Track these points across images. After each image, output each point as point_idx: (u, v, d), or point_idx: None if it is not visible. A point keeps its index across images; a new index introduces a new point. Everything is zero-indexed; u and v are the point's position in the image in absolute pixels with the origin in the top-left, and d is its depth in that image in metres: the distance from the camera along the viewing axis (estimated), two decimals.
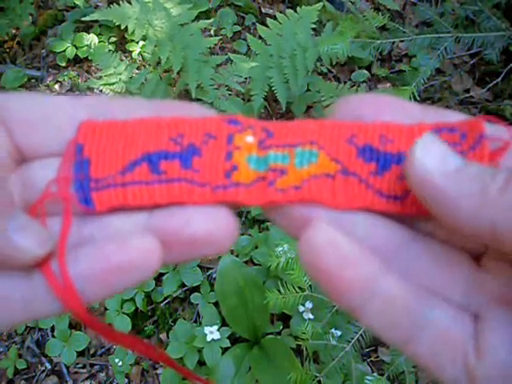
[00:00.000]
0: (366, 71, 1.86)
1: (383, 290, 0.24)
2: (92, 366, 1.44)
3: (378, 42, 1.11)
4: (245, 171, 0.27)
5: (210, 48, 1.67)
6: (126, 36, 1.85)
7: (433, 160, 0.23)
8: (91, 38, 1.90)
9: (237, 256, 1.43)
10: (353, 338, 1.01)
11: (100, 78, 1.45)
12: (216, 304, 1.38)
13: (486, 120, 0.26)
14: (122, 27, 1.51)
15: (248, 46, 1.77)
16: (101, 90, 1.48)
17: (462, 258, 0.26)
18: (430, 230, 0.27)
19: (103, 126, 0.27)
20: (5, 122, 0.26)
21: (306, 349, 1.05)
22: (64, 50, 1.90)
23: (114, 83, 1.44)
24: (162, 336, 1.42)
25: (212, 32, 1.94)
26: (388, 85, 1.84)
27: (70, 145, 0.27)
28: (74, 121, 0.27)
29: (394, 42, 1.15)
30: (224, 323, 1.34)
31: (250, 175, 0.27)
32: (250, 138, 0.28)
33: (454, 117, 0.27)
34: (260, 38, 1.66)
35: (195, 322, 1.41)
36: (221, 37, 1.88)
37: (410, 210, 0.26)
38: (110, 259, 0.25)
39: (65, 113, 0.27)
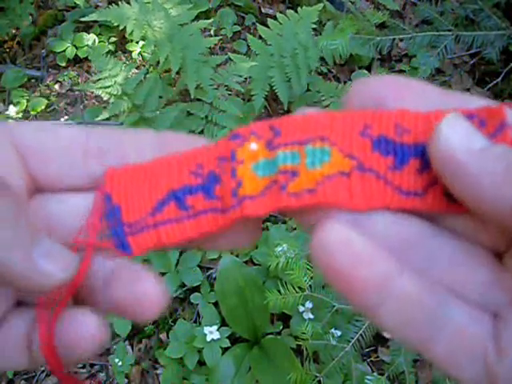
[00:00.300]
0: (365, 71, 1.86)
1: (399, 288, 0.24)
2: (92, 365, 1.44)
3: (378, 38, 1.11)
4: (250, 183, 0.26)
5: (209, 48, 1.67)
6: (126, 36, 1.85)
7: (458, 137, 0.23)
8: (91, 38, 1.90)
9: (237, 256, 1.43)
10: (353, 338, 1.01)
11: (96, 81, 1.45)
12: (216, 304, 1.37)
13: (510, 107, 0.24)
14: (121, 28, 1.51)
15: (248, 45, 1.77)
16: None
17: (484, 255, 0.25)
18: (451, 225, 0.26)
19: (127, 171, 0.28)
20: (20, 152, 0.27)
21: (306, 349, 1.05)
22: (64, 50, 1.90)
23: (109, 86, 1.44)
24: (162, 336, 1.42)
25: (212, 32, 1.94)
26: None
27: (98, 194, 0.27)
28: (88, 154, 0.28)
29: (394, 40, 1.15)
30: (224, 323, 1.34)
31: (258, 185, 0.26)
32: (253, 146, 0.26)
33: (477, 102, 0.25)
34: (260, 37, 1.66)
35: (195, 322, 1.41)
36: (221, 37, 1.88)
37: (431, 207, 0.25)
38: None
39: (79, 145, 0.27)
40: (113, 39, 1.92)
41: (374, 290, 0.24)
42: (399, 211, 0.25)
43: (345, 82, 1.70)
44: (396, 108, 0.25)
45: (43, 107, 1.82)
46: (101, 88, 1.43)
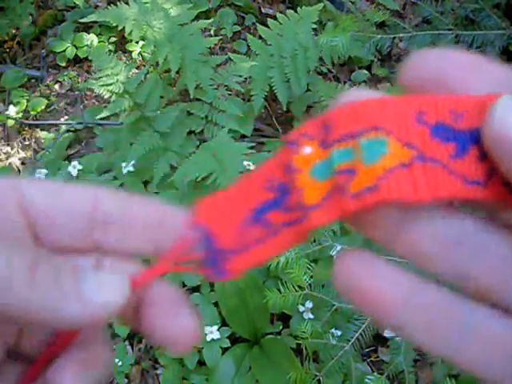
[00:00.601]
0: (365, 71, 1.86)
1: (423, 303, 0.23)
2: None
3: (378, 37, 1.11)
4: (312, 191, 0.24)
5: (209, 48, 1.67)
6: (125, 36, 1.85)
7: None
8: (91, 38, 1.90)
9: None
10: (352, 338, 1.01)
11: (98, 79, 1.45)
12: (216, 304, 1.37)
13: None
14: (120, 28, 1.51)
15: (248, 45, 1.77)
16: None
17: None
18: (506, 219, 0.24)
19: (213, 199, 0.28)
20: (26, 214, 0.26)
21: (306, 348, 1.05)
22: (64, 50, 1.90)
23: (111, 84, 1.44)
24: None
25: (212, 32, 1.94)
26: (388, 85, 1.84)
27: (187, 224, 0.27)
28: (93, 222, 0.27)
29: (394, 39, 1.15)
30: (224, 323, 1.34)
31: (320, 191, 0.24)
32: (307, 150, 0.24)
33: None
34: (260, 37, 1.66)
35: None
36: (221, 37, 1.88)
37: (492, 197, 0.23)
38: None
39: (85, 213, 0.27)
40: (113, 39, 1.92)
41: (398, 309, 0.23)
42: (455, 204, 0.24)
43: (345, 82, 1.70)
44: (456, 89, 0.23)
45: (43, 107, 1.82)
46: (103, 86, 1.43)
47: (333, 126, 0.24)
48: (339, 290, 0.24)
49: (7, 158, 1.77)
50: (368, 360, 1.36)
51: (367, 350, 1.36)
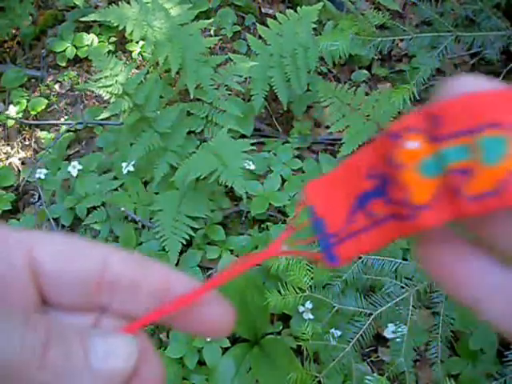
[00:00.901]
0: (366, 71, 1.86)
1: (494, 281, 0.23)
2: None
3: (378, 39, 1.11)
4: (420, 189, 0.22)
5: (209, 48, 1.66)
6: (126, 36, 1.85)
7: None
8: (91, 38, 1.90)
9: (237, 256, 1.43)
10: (353, 338, 1.01)
11: (97, 80, 1.45)
12: None
13: None
14: (121, 28, 1.51)
15: (248, 45, 1.77)
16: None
17: None
18: None
19: (322, 183, 0.27)
20: (35, 272, 0.26)
21: (306, 349, 1.05)
22: (64, 50, 1.90)
23: (110, 85, 1.44)
24: (162, 336, 1.42)
25: (212, 32, 1.94)
26: (388, 85, 1.84)
27: (300, 207, 0.27)
28: (101, 287, 0.27)
29: (394, 41, 1.15)
30: None
31: (428, 190, 0.22)
32: (413, 144, 0.22)
33: None
34: (260, 37, 1.66)
35: None
36: (221, 37, 1.88)
37: None
38: None
39: (94, 277, 0.27)
40: (113, 39, 1.92)
41: (474, 284, 0.23)
42: None
43: (345, 82, 1.70)
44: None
45: (43, 107, 1.82)
46: (102, 87, 1.43)
47: (444, 119, 0.22)
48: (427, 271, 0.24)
49: (7, 158, 1.77)
50: (368, 360, 1.36)
51: (367, 350, 1.37)
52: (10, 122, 1.80)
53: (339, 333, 1.08)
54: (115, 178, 1.60)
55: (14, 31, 1.97)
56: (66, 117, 1.84)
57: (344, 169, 0.26)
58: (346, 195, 0.26)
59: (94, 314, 0.28)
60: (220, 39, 1.89)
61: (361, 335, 1.01)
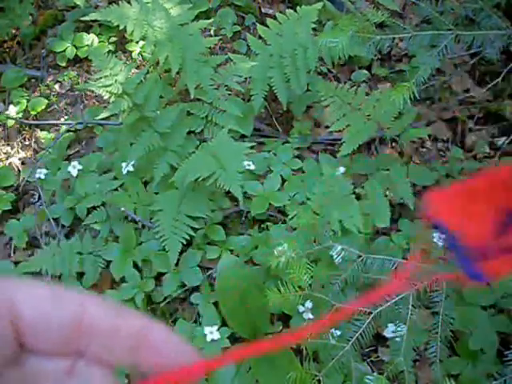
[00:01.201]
0: (365, 71, 1.86)
1: None
2: None
3: (378, 37, 1.11)
4: None
5: (209, 48, 1.66)
6: (126, 36, 1.85)
7: None
8: (91, 38, 1.90)
9: (237, 256, 1.43)
10: (352, 338, 1.00)
11: (96, 80, 1.45)
12: (216, 304, 1.37)
13: None
14: (121, 28, 1.51)
15: (248, 45, 1.77)
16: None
17: None
18: None
19: (447, 196, 0.26)
20: (15, 319, 0.27)
21: (306, 348, 1.05)
22: (64, 50, 1.90)
23: (110, 85, 1.43)
24: None
25: (212, 32, 1.94)
26: (388, 85, 1.84)
27: (424, 220, 0.26)
28: (81, 332, 0.28)
29: (393, 40, 1.14)
30: (224, 323, 1.34)
31: None
32: None
33: None
34: (260, 37, 1.66)
35: (195, 322, 1.41)
36: (221, 37, 1.88)
37: None
38: None
39: (74, 324, 0.28)
40: (113, 39, 1.92)
41: None
42: None
43: (345, 82, 1.70)
44: None
45: (43, 107, 1.82)
46: (102, 87, 1.43)
47: None
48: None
49: (7, 158, 1.77)
50: (368, 360, 1.36)
51: (367, 349, 1.36)
52: (10, 122, 1.80)
53: (339, 332, 1.07)
54: (115, 178, 1.60)
55: (13, 31, 1.97)
56: (65, 117, 1.84)
57: (485, 182, 0.25)
58: (489, 209, 0.25)
59: (71, 358, 0.28)
60: (220, 39, 1.89)
61: (360, 334, 1.01)
